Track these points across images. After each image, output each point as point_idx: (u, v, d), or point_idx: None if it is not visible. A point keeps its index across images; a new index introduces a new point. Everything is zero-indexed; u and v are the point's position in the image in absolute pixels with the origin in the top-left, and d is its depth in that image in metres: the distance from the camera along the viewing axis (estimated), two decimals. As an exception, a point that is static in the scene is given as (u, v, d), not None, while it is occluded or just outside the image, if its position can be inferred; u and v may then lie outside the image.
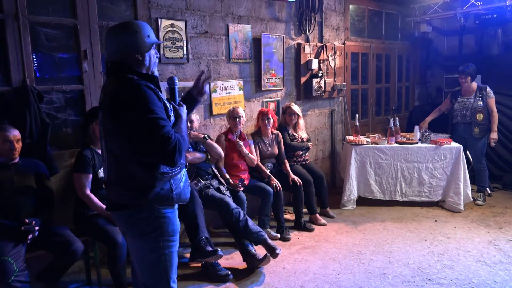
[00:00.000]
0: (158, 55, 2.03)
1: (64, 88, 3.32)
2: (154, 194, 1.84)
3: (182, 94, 3.96)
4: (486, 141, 4.96)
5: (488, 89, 4.94)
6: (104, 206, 2.85)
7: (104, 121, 1.88)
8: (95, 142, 3.08)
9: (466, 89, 5.04)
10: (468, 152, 5.16)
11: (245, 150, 4.07)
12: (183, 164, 1.98)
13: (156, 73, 2.01)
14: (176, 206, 2.03)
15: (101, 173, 3.05)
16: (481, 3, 5.75)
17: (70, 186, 3.24)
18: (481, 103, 4.90)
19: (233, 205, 3.47)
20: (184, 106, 2.04)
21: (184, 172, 2.01)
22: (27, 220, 2.67)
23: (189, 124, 3.60)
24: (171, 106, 1.95)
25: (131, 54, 1.89)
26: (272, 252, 3.32)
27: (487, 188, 5.18)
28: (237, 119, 4.01)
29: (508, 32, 5.88)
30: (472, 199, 4.83)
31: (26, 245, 2.65)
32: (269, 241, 3.37)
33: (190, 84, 4.02)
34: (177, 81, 2.06)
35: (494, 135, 4.89)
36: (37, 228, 2.69)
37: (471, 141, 5.02)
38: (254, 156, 4.18)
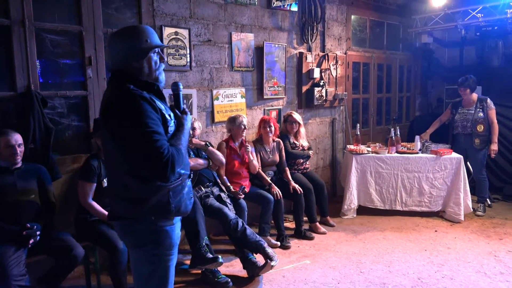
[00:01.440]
0: (165, 60, 1.95)
1: (67, 94, 3.35)
2: (150, 206, 1.77)
3: (185, 101, 4.01)
4: (486, 152, 4.98)
5: (488, 100, 4.97)
6: (106, 213, 2.87)
7: (103, 132, 1.85)
8: (100, 152, 3.10)
9: (466, 100, 5.07)
10: (468, 163, 5.17)
11: (251, 156, 4.09)
12: (185, 174, 1.88)
13: (161, 79, 1.92)
14: (179, 218, 1.94)
15: (105, 182, 3.07)
16: (482, 15, 5.80)
17: (72, 191, 3.26)
18: (481, 114, 4.93)
19: (231, 215, 3.47)
20: (189, 113, 1.94)
21: (187, 182, 1.91)
22: (28, 225, 2.67)
23: (191, 132, 3.62)
24: (170, 115, 1.85)
25: (129, 62, 1.82)
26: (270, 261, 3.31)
27: (487, 199, 5.19)
28: (242, 127, 4.03)
29: (509, 44, 5.92)
30: (472, 209, 4.84)
31: (27, 249, 2.66)
32: (268, 250, 3.35)
33: (192, 91, 4.08)
34: (181, 87, 1.96)
35: (495, 147, 4.91)
36: (38, 233, 2.70)
37: (472, 152, 5.03)
38: (257, 163, 4.19)
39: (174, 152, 1.70)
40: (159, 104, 1.79)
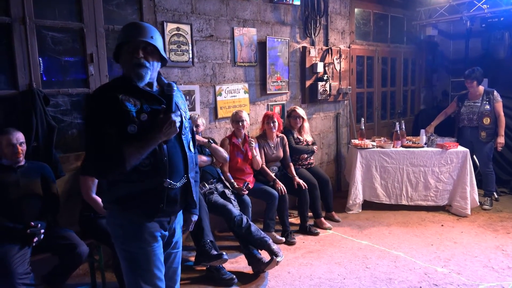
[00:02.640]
0: (140, 55, 1.81)
1: (70, 92, 3.33)
2: (109, 198, 1.87)
3: (188, 97, 3.99)
4: (493, 145, 4.92)
5: (495, 93, 4.90)
6: None
7: None
8: None
9: (473, 93, 5.01)
10: (474, 156, 5.12)
11: (255, 152, 4.07)
12: (152, 180, 1.81)
13: (141, 75, 1.81)
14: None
15: None
16: (488, 6, 5.72)
17: (76, 189, 3.25)
18: (488, 107, 4.87)
19: (236, 212, 3.45)
20: (172, 117, 1.77)
21: (155, 190, 1.82)
22: (32, 223, 2.67)
23: (195, 128, 3.60)
24: (138, 115, 1.77)
25: (116, 57, 1.91)
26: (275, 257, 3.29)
27: (494, 193, 5.14)
28: (240, 123, 4.00)
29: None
30: (479, 203, 4.79)
31: (31, 248, 2.66)
32: (273, 246, 3.33)
33: (195, 87, 4.05)
34: (175, 87, 1.83)
35: (501, 140, 4.85)
36: (42, 231, 2.70)
37: (478, 145, 4.98)
38: (260, 159, 4.17)
39: (123, 152, 1.70)
40: (126, 103, 1.76)
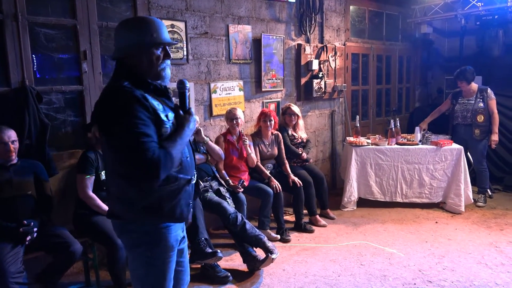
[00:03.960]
0: (170, 57, 1.82)
1: (63, 89, 3.31)
2: (140, 208, 1.71)
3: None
4: (486, 143, 4.94)
5: (489, 90, 4.92)
6: (106, 208, 2.84)
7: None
8: (98, 144, 3.07)
9: (466, 91, 5.02)
10: (469, 154, 5.14)
11: (249, 149, 4.06)
12: (183, 178, 1.79)
13: (164, 75, 1.80)
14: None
15: (103, 175, 3.04)
16: (482, 4, 5.73)
17: (69, 187, 3.24)
18: (482, 104, 4.89)
19: (230, 210, 3.44)
20: (193, 114, 1.83)
21: (186, 188, 1.81)
22: (25, 222, 2.65)
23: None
24: (168, 115, 1.73)
25: (129, 53, 1.74)
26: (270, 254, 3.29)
27: (488, 190, 5.16)
28: (234, 121, 3.99)
29: (509, 33, 5.85)
30: (473, 200, 4.82)
31: (24, 246, 2.64)
32: (268, 243, 3.33)
33: (190, 85, 4.02)
34: (187, 84, 1.85)
35: (495, 137, 4.87)
36: (35, 229, 2.68)
37: (472, 142, 5.00)
38: (255, 157, 4.17)
39: (161, 155, 1.60)
40: (153, 103, 1.69)
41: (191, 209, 1.93)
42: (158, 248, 1.78)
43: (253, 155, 4.11)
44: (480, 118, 4.88)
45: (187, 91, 1.84)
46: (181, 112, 1.80)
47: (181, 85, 1.84)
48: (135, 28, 1.74)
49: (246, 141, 4.01)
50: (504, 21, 5.71)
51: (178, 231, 1.87)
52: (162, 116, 1.70)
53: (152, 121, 1.65)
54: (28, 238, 2.63)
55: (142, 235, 1.76)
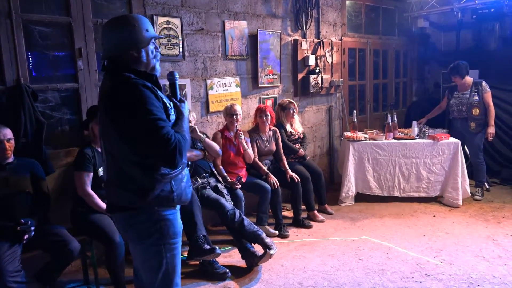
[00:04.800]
0: (159, 50, 1.93)
1: (59, 87, 3.29)
2: (154, 196, 1.77)
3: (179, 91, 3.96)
4: (483, 136, 4.95)
5: (483, 83, 4.93)
6: (104, 205, 2.83)
7: (102, 122, 1.83)
8: (95, 140, 3.06)
9: (461, 85, 5.03)
10: (466, 147, 5.15)
11: (245, 145, 4.05)
12: (185, 163, 1.88)
13: (158, 69, 1.92)
14: (178, 207, 1.95)
15: (101, 172, 3.03)
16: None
17: (66, 185, 3.23)
18: (477, 98, 4.89)
19: (228, 206, 3.44)
20: (186, 102, 1.95)
21: (186, 171, 1.93)
22: (22, 221, 2.64)
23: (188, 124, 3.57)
24: (171, 104, 1.86)
25: (127, 50, 1.79)
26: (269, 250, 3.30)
27: (485, 183, 5.18)
28: (234, 116, 3.99)
29: (506, 26, 5.86)
30: (470, 194, 4.84)
31: (22, 245, 2.63)
32: (266, 239, 3.34)
33: (186, 81, 4.03)
34: (177, 76, 1.96)
35: (491, 130, 4.88)
36: (33, 228, 2.66)
37: (468, 136, 5.01)
38: (252, 152, 4.16)
39: (180, 138, 1.71)
40: (159, 93, 1.78)
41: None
42: (168, 235, 1.84)
43: (249, 150, 4.10)
44: (476, 112, 4.88)
45: (177, 81, 1.96)
46: (175, 101, 1.91)
47: (172, 76, 1.96)
48: (130, 26, 1.80)
49: (241, 136, 4.00)
50: (500, 15, 5.72)
51: (179, 217, 1.96)
52: (168, 104, 1.82)
53: (162, 109, 1.75)
54: (25, 237, 2.62)
55: (152, 224, 1.81)
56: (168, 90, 2.00)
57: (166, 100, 1.82)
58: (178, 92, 1.95)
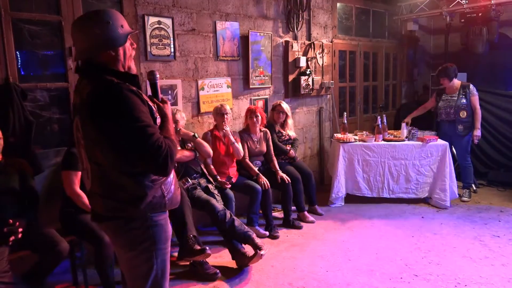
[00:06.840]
0: (135, 46, 1.80)
1: (48, 86, 3.27)
2: (147, 203, 1.70)
3: (170, 91, 3.95)
4: (470, 138, 5.02)
5: (471, 87, 5.00)
6: None
7: (83, 129, 1.67)
8: None
9: (449, 88, 5.10)
10: (454, 149, 5.22)
11: (232, 138, 4.04)
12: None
13: (133, 67, 1.78)
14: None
15: None
16: (466, 1, 5.81)
17: (56, 185, 3.20)
18: (464, 101, 4.96)
19: (219, 207, 3.44)
20: (168, 102, 1.86)
21: (172, 173, 1.84)
22: (11, 221, 2.61)
23: (173, 124, 3.55)
24: (155, 106, 1.76)
25: (103, 50, 1.65)
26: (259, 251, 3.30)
27: (473, 185, 5.26)
28: (225, 116, 4.00)
29: (493, 30, 5.94)
30: (458, 195, 4.90)
31: (9, 246, 2.60)
32: (256, 240, 3.34)
33: (177, 81, 4.02)
34: (157, 75, 1.86)
35: (478, 132, 4.94)
36: (20, 230, 2.62)
37: (456, 138, 5.08)
38: (240, 148, 4.15)
39: (169, 144, 1.64)
40: (144, 96, 1.68)
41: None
42: (160, 240, 1.79)
43: (237, 145, 4.07)
44: (463, 114, 4.95)
45: (157, 81, 1.85)
46: (158, 102, 1.82)
47: (152, 76, 1.85)
48: (104, 23, 1.65)
49: (226, 128, 3.99)
50: (487, 19, 5.80)
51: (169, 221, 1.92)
52: (152, 106, 1.74)
53: (149, 113, 1.66)
54: (11, 239, 2.58)
55: (146, 230, 1.74)
56: (148, 90, 1.90)
57: (149, 102, 1.73)
58: (159, 91, 1.87)
